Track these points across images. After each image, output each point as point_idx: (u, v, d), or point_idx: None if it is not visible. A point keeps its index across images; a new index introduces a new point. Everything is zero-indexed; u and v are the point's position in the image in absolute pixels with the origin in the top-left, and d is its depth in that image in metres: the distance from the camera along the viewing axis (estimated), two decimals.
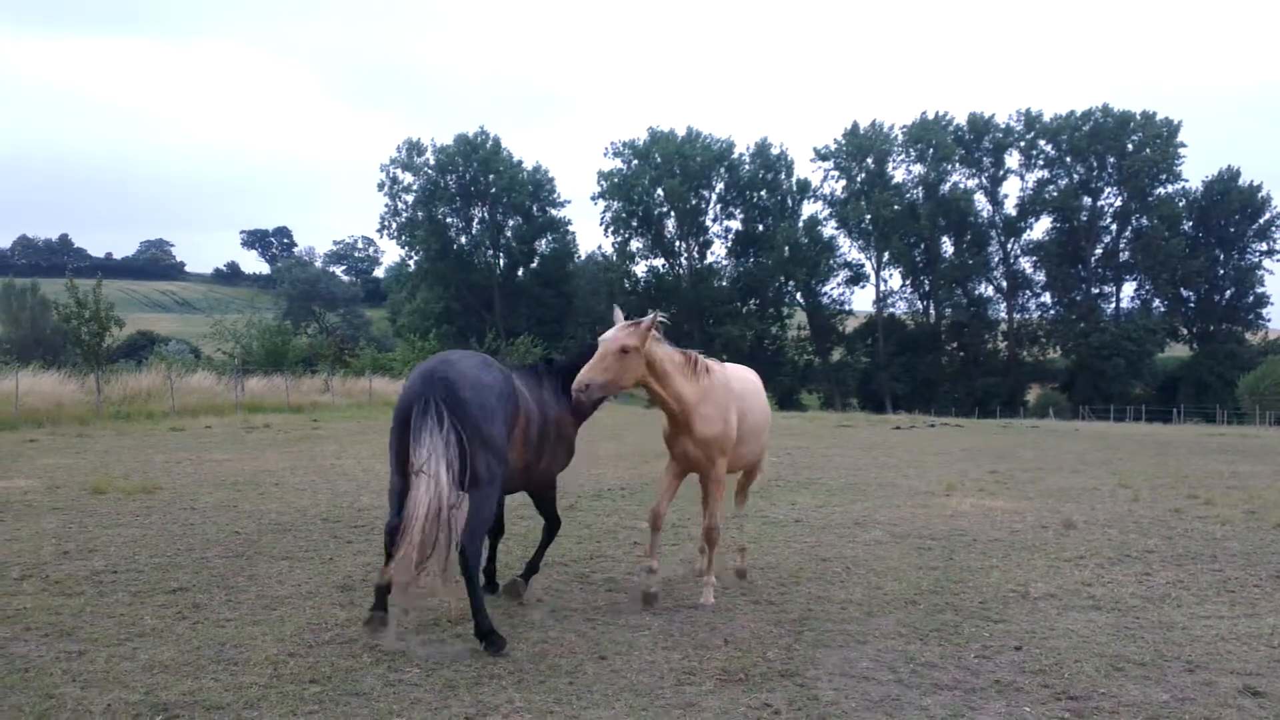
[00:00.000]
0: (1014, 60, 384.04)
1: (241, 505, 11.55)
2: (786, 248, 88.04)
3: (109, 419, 27.55)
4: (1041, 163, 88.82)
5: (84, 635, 5.94)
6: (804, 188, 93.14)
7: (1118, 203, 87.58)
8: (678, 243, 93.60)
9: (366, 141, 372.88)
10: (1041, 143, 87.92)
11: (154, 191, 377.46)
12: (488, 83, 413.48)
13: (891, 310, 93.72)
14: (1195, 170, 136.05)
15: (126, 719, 4.57)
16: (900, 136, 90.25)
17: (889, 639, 6.13)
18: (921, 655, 5.78)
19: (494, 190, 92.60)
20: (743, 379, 7.74)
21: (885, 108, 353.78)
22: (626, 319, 6.80)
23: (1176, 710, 4.89)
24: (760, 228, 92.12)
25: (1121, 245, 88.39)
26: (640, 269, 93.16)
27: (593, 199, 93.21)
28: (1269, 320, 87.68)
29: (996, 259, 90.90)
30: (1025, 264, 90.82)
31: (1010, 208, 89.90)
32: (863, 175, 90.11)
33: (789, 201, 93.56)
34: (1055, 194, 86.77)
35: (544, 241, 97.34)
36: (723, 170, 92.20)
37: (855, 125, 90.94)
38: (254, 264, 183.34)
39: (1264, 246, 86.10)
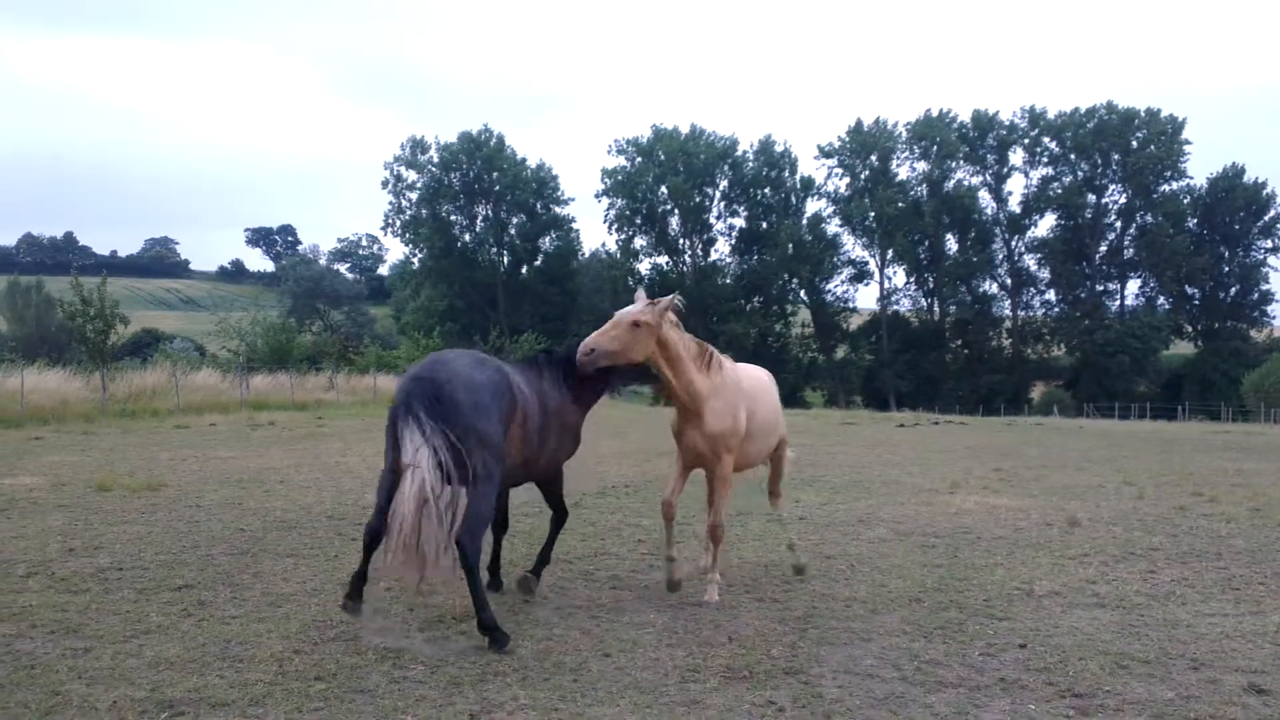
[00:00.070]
0: (1018, 57, 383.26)
1: (246, 503, 11.57)
2: (790, 245, 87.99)
3: (114, 416, 27.60)
4: (1046, 160, 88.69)
5: (89, 632, 5.95)
6: (808, 185, 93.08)
7: (1122, 200, 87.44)
8: (681, 240, 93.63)
9: (370, 139, 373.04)
10: (1046, 140, 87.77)
11: (158, 189, 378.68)
12: (490, 80, 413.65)
13: (895, 308, 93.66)
14: (1200, 167, 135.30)
15: (132, 716, 4.58)
16: (904, 134, 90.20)
17: (893, 636, 6.13)
18: (926, 653, 5.78)
19: (498, 188, 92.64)
20: (754, 377, 7.73)
21: (889, 105, 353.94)
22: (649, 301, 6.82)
23: (1181, 708, 4.89)
24: (764, 225, 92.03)
25: (1126, 242, 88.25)
26: (644, 266, 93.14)
27: (596, 196, 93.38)
28: (1274, 318, 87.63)
29: (1001, 256, 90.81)
30: (1029, 261, 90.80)
31: (1014, 205, 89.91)
32: (867, 172, 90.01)
33: (793, 199, 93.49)
34: (1059, 191, 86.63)
35: (548, 239, 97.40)
36: (726, 168, 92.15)
37: (859, 122, 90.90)
38: (258, 262, 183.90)
39: (1269, 244, 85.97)
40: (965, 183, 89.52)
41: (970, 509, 11.96)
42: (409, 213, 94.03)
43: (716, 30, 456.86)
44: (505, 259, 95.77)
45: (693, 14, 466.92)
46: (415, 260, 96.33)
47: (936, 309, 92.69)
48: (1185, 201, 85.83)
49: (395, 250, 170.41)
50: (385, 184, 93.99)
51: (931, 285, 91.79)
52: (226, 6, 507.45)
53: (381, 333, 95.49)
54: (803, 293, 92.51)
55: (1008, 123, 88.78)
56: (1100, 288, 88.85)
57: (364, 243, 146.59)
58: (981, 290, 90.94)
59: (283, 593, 7.08)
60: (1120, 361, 78.17)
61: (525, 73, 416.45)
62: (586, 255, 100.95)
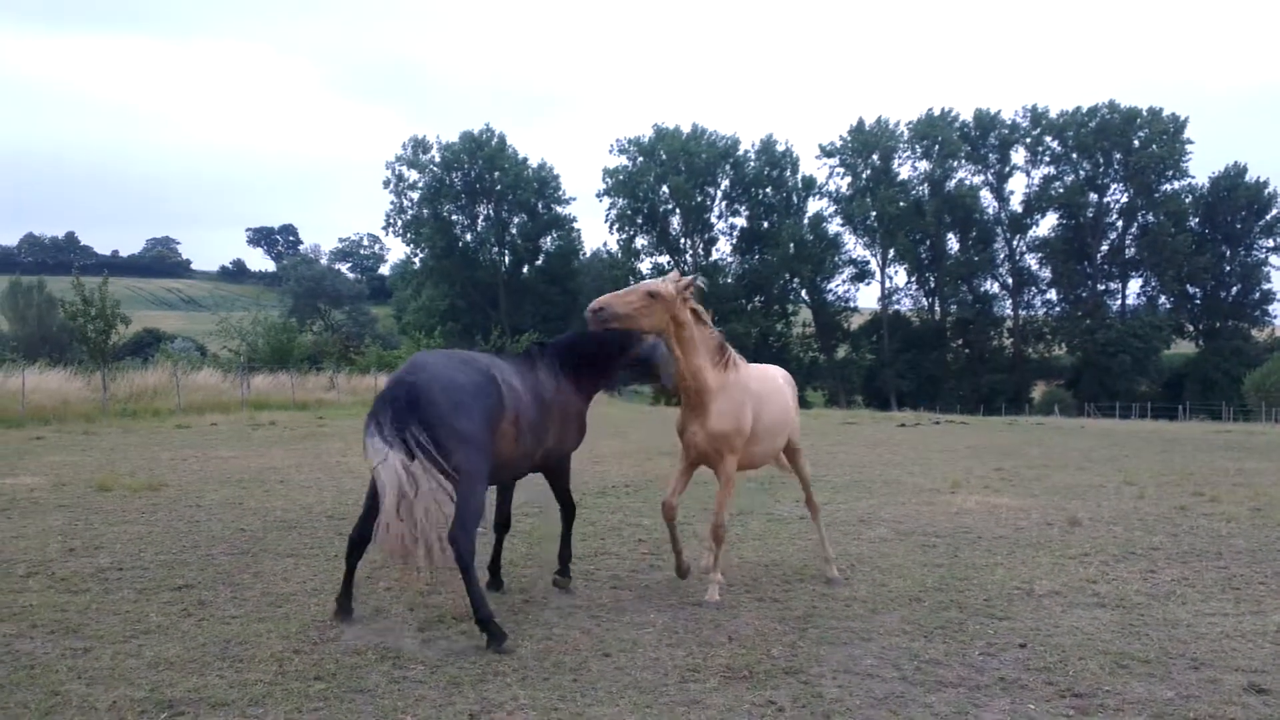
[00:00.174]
0: (1020, 56, 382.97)
1: (247, 502, 11.58)
2: (791, 245, 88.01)
3: (115, 416, 27.62)
4: (1047, 159, 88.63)
5: (89, 632, 5.96)
6: (809, 184, 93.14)
7: (1124, 199, 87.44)
8: (683, 240, 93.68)
9: (371, 139, 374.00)
10: (1047, 139, 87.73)
11: (159, 189, 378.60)
12: (492, 80, 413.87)
13: (896, 307, 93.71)
14: (1202, 167, 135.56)
15: (132, 716, 4.58)
16: (906, 133, 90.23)
17: (893, 636, 6.13)
18: (926, 652, 5.78)
19: (499, 187, 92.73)
20: (765, 378, 7.67)
21: (891, 104, 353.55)
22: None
23: (1181, 707, 4.88)
24: (765, 225, 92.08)
25: (1127, 242, 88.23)
26: (645, 266, 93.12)
27: (598, 196, 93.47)
28: (1275, 317, 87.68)
29: (1002, 256, 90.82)
30: (1031, 260, 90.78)
31: (1016, 204, 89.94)
32: (868, 172, 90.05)
33: (794, 198, 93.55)
34: (1061, 190, 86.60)
35: (549, 239, 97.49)
36: (728, 167, 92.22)
37: (860, 122, 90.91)
38: (259, 261, 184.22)
39: (1270, 243, 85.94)
40: (967, 182, 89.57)
41: (971, 508, 11.95)
42: (410, 212, 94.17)
43: (718, 30, 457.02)
44: (506, 258, 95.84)
45: (694, 14, 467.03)
46: (416, 260, 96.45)
47: (938, 308, 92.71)
48: (1187, 201, 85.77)
49: (396, 250, 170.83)
50: (387, 183, 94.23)
51: (933, 285, 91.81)
52: (226, 6, 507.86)
53: (383, 332, 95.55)
54: (804, 292, 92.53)
55: (1009, 122, 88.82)
56: (1102, 287, 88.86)
57: (365, 242, 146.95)
58: (983, 290, 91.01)
59: (283, 592, 7.09)
60: (1121, 361, 78.14)
61: (526, 72, 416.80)
62: (588, 255, 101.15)
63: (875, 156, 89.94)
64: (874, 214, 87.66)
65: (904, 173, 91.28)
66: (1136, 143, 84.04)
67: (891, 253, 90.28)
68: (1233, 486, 14.69)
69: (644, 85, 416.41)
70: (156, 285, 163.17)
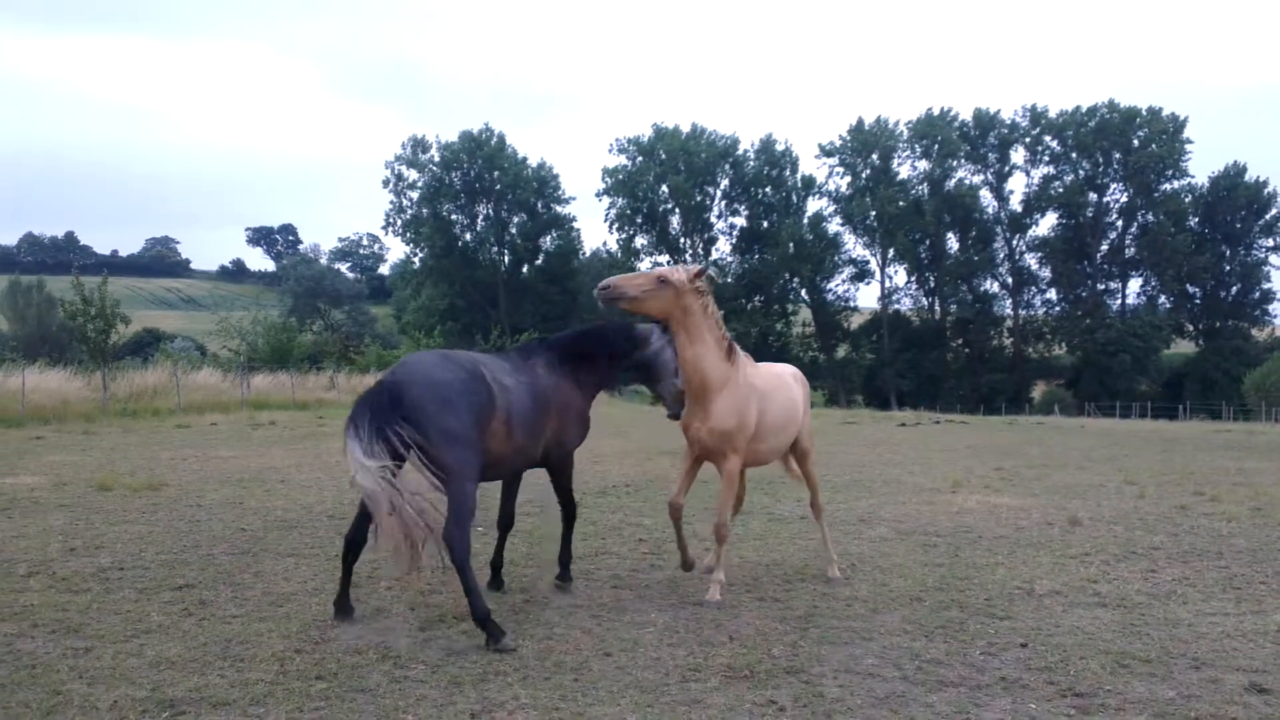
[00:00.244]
0: (1019, 56, 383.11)
1: (247, 502, 11.58)
2: (791, 244, 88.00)
3: (115, 416, 27.61)
4: (1047, 159, 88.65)
5: (90, 632, 5.95)
6: (809, 184, 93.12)
7: (1123, 199, 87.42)
8: (682, 239, 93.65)
9: (370, 138, 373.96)
10: (1047, 138, 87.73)
11: (159, 189, 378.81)
12: (491, 79, 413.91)
13: (896, 307, 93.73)
14: (1201, 166, 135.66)
15: (133, 715, 4.58)
16: (905, 132, 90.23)
17: (894, 636, 6.13)
18: (927, 652, 5.77)
19: (499, 187, 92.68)
20: (772, 376, 7.64)
21: (890, 104, 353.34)
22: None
23: (1182, 707, 4.88)
24: (765, 224, 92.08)
25: (1127, 241, 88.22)
26: (644, 265, 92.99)
27: (597, 195, 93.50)
28: (1275, 316, 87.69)
29: (1002, 255, 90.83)
30: (1031, 260, 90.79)
31: (1016, 204, 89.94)
32: (868, 171, 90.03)
33: (794, 198, 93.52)
34: (1061, 190, 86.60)
35: (549, 238, 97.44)
36: (727, 167, 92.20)
37: (860, 121, 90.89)
38: (259, 261, 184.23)
39: (1270, 242, 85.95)
40: (966, 181, 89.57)
41: (971, 508, 11.95)
42: (410, 212, 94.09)
43: (717, 29, 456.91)
44: (506, 258, 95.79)
45: (694, 13, 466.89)
46: (416, 259, 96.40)
47: (937, 308, 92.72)
48: (1186, 200, 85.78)
49: (396, 249, 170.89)
50: (386, 183, 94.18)
51: (932, 284, 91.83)
52: (226, 6, 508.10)
53: (382, 332, 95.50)
54: (804, 292, 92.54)
55: (1009, 121, 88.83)
56: (1101, 287, 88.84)
57: (365, 242, 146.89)
58: (982, 289, 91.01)
59: (284, 592, 7.09)
60: (1121, 360, 78.14)
61: (526, 72, 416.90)
62: (587, 254, 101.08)
63: (875, 156, 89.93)
64: (874, 213, 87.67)
65: (903, 172, 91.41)
66: (1136, 142, 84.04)
67: (891, 252, 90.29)
68: (1233, 486, 14.69)
69: (643, 85, 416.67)
70: (156, 285, 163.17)
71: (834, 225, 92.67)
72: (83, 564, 7.92)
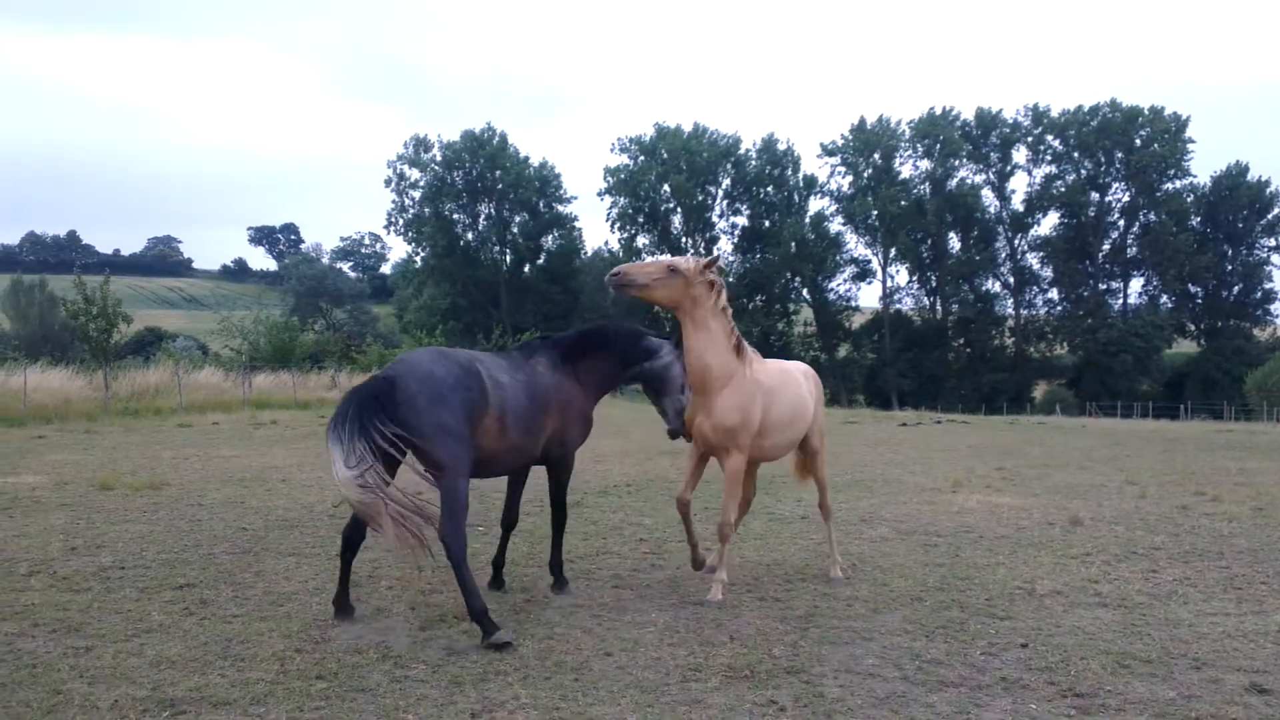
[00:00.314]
0: (1022, 55, 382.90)
1: (249, 501, 11.58)
2: (793, 244, 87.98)
3: (117, 415, 27.63)
4: (1049, 158, 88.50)
5: (91, 631, 5.96)
6: (810, 183, 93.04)
7: (1125, 198, 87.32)
8: (684, 239, 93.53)
9: (372, 138, 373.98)
10: (1049, 138, 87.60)
11: (161, 188, 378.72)
12: (493, 79, 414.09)
13: (898, 306, 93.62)
14: (1203, 165, 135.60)
15: (134, 715, 4.59)
16: (907, 132, 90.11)
17: (895, 636, 6.13)
18: (927, 652, 5.77)
19: (500, 186, 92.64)
20: (779, 372, 7.60)
21: (892, 103, 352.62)
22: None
23: (1183, 707, 4.88)
24: (766, 224, 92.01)
25: (1129, 241, 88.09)
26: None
27: (599, 195, 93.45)
28: (1277, 316, 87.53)
29: (1003, 255, 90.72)
30: (1032, 260, 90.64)
31: (1017, 203, 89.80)
32: (869, 171, 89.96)
33: (795, 197, 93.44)
34: (1063, 189, 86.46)
35: (550, 238, 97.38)
36: (729, 166, 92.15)
37: (862, 121, 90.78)
38: (261, 260, 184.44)
39: (1272, 242, 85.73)
40: (968, 181, 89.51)
41: (972, 508, 11.95)
42: (412, 211, 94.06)
43: (719, 29, 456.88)
44: (508, 257, 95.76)
45: (695, 12, 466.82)
46: (418, 259, 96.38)
47: (939, 307, 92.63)
48: (1188, 200, 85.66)
49: (398, 249, 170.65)
50: (388, 182, 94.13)
51: (934, 284, 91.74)
52: (227, 6, 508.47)
53: (384, 331, 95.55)
54: (805, 291, 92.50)
55: (1011, 121, 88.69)
56: (1103, 286, 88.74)
57: (366, 241, 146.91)
58: (984, 289, 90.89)
59: (285, 591, 7.09)
60: (1123, 360, 78.07)
61: (528, 71, 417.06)
62: (589, 254, 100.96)
63: (877, 155, 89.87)
64: (875, 213, 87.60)
65: (905, 172, 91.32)
66: (1138, 142, 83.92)
67: (893, 252, 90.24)
68: (1234, 486, 14.68)
69: (645, 84, 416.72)
70: (158, 284, 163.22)
71: (835, 225, 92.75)
72: (84, 563, 7.92)
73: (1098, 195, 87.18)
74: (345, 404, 5.96)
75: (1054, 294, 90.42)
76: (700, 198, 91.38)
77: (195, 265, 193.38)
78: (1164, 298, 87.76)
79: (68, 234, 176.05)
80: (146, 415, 28.03)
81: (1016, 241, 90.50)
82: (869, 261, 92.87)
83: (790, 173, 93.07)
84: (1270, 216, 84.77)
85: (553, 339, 7.36)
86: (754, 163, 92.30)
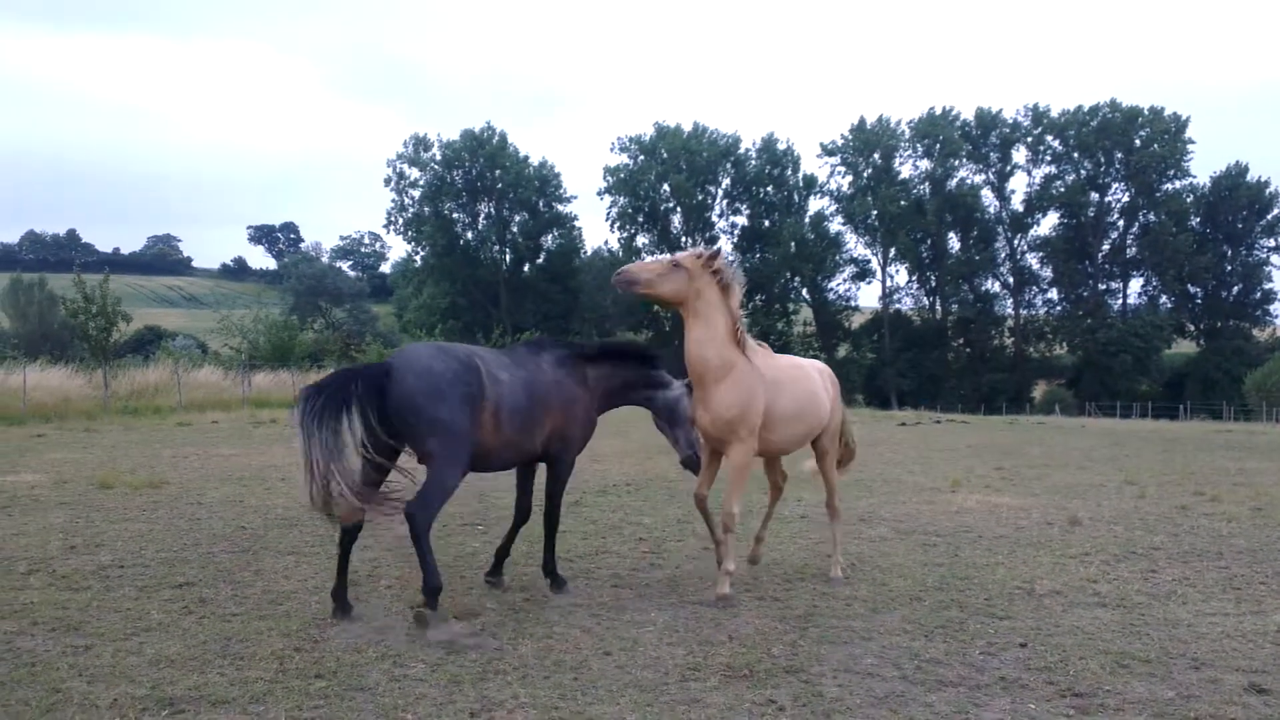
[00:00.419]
0: (1021, 55, 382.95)
1: (248, 500, 11.58)
2: (793, 243, 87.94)
3: (116, 414, 27.63)
4: (1049, 158, 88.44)
5: (90, 630, 5.96)
6: (810, 183, 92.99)
7: (1125, 198, 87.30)
8: (684, 238, 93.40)
9: (372, 137, 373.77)
10: (1049, 138, 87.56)
11: (161, 187, 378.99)
12: (493, 78, 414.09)
13: (897, 306, 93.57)
14: (1203, 166, 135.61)
15: (133, 713, 4.59)
16: (907, 132, 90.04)
17: (894, 635, 6.13)
18: (926, 652, 5.77)
19: (500, 186, 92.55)
20: (787, 367, 7.59)
21: (892, 103, 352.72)
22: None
23: (1182, 707, 4.88)
24: (766, 223, 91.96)
25: (1129, 241, 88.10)
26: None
27: (599, 194, 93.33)
28: (1276, 317, 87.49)
29: (1003, 255, 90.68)
30: (1032, 260, 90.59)
31: (1017, 203, 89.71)
32: (869, 171, 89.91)
33: (795, 197, 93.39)
34: (1062, 190, 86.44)
35: (550, 237, 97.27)
36: (729, 166, 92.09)
37: (862, 120, 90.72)
38: (261, 259, 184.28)
39: (1272, 242, 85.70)
40: (968, 181, 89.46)
41: (972, 508, 11.95)
42: (411, 210, 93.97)
43: (719, 28, 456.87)
44: (507, 257, 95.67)
45: (695, 12, 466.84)
46: (417, 258, 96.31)
47: (939, 307, 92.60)
48: (1188, 200, 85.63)
49: (397, 248, 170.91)
50: (388, 181, 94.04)
51: (934, 284, 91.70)
52: (227, 5, 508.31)
53: (383, 330, 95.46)
54: (805, 291, 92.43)
55: (1011, 121, 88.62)
56: (1103, 286, 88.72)
57: (366, 240, 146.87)
58: (984, 289, 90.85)
59: (284, 590, 7.09)
60: (1122, 360, 78.08)
61: (527, 71, 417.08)
62: (589, 253, 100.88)
63: (876, 155, 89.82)
64: (875, 213, 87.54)
65: (905, 171, 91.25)
66: (1138, 142, 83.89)
67: (892, 252, 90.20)
68: (1233, 486, 14.69)
69: (645, 84, 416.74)
70: (158, 283, 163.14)
71: (835, 224, 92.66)
72: (83, 562, 7.92)
73: (1097, 195, 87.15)
74: (332, 381, 6.08)
75: (1053, 294, 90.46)
76: (700, 197, 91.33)
77: (195, 264, 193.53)
78: (1163, 298, 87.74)
79: (67, 233, 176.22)
80: (146, 414, 28.03)
81: (1016, 241, 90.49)
82: (868, 261, 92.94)
83: (790, 172, 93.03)
84: (1270, 217, 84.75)
85: (572, 342, 7.47)
86: (754, 162, 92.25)
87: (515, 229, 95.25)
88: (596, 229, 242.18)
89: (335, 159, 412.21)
